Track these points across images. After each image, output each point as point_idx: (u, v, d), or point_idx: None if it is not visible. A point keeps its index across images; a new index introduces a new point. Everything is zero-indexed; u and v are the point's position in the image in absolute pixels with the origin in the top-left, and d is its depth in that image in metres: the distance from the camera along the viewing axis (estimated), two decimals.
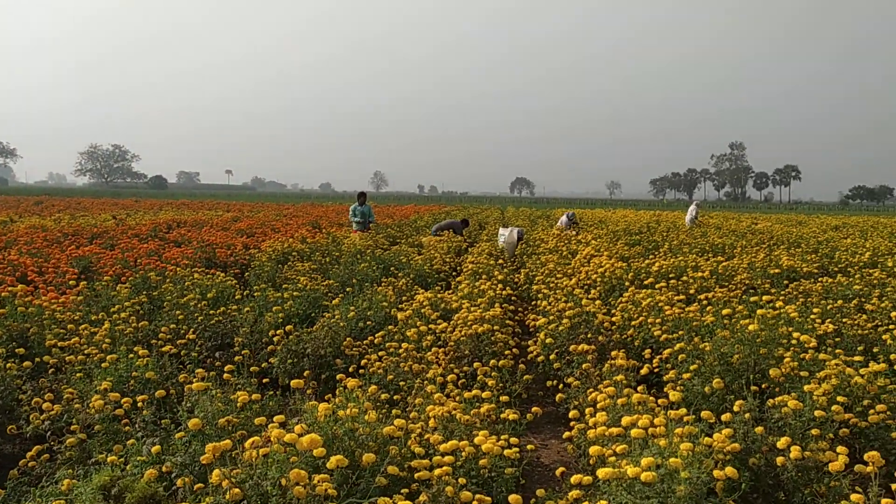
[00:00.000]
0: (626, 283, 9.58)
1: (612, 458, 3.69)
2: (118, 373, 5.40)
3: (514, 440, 4.25)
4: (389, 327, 7.06)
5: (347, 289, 9.40)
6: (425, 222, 26.01)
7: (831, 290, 9.66)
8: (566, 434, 4.88)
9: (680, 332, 6.62)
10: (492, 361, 5.90)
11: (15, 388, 5.29)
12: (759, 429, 4.25)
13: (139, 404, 4.62)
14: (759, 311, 6.15)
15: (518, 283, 11.57)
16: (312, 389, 5.82)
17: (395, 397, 5.37)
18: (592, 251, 12.79)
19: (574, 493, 3.49)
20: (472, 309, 7.27)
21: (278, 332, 6.70)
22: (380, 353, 6.22)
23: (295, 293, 8.46)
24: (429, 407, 4.71)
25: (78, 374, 5.34)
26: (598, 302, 7.90)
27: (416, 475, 3.69)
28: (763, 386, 5.48)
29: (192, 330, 6.97)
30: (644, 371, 6.01)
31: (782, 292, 9.45)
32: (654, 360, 6.30)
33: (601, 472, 3.47)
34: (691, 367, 5.56)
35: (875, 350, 6.84)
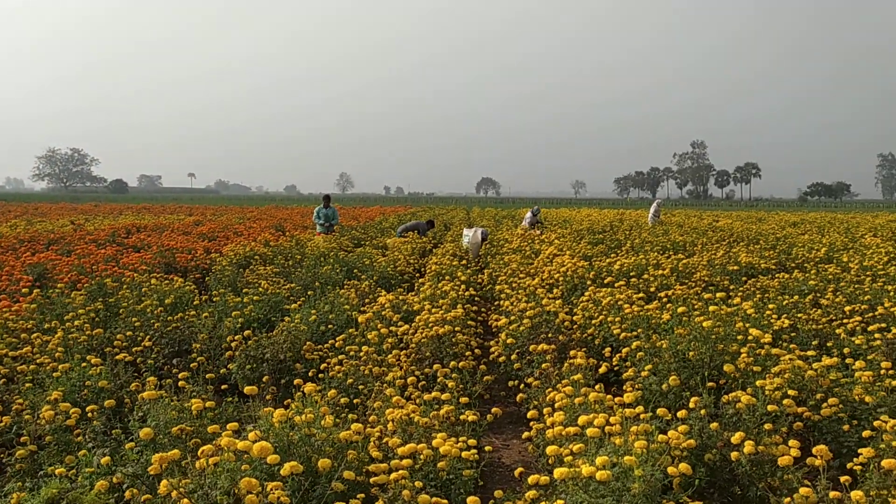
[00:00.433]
0: (588, 282, 9.64)
1: (569, 458, 3.70)
2: (70, 382, 5.28)
3: (472, 442, 4.25)
4: (351, 330, 7.01)
5: (309, 292, 9.32)
6: (391, 224, 25.96)
7: (788, 285, 9.83)
8: (525, 434, 4.89)
9: (639, 331, 6.68)
10: (452, 363, 5.89)
11: None
12: (714, 425, 4.30)
13: (89, 414, 4.52)
14: (711, 308, 6.23)
15: (482, 284, 11.59)
16: (272, 395, 5.76)
17: (354, 401, 5.33)
18: (555, 250, 12.86)
19: (531, 494, 3.49)
20: (434, 310, 7.25)
21: (237, 337, 6.61)
22: (340, 357, 6.16)
23: (255, 297, 8.37)
24: (388, 410, 4.69)
25: (27, 385, 5.20)
26: (558, 301, 7.94)
27: (372, 480, 3.66)
28: (721, 382, 5.56)
29: (148, 337, 6.85)
30: (603, 370, 6.05)
31: (740, 289, 9.60)
32: (614, 359, 6.35)
33: (557, 472, 3.48)
34: (647, 366, 5.61)
35: (829, 344, 6.98)
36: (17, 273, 10.11)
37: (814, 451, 3.68)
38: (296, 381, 5.23)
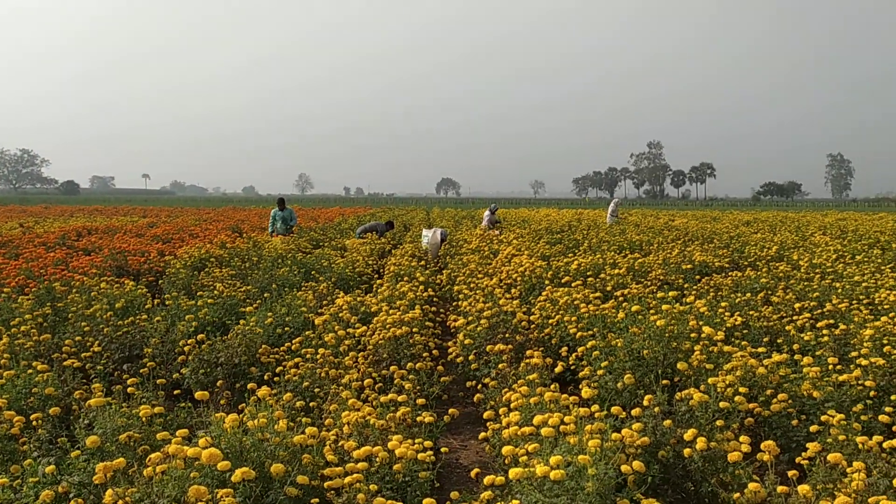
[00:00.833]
0: (546, 282, 9.70)
1: (524, 458, 3.71)
2: (16, 390, 5.12)
3: (428, 443, 4.23)
4: (308, 333, 6.94)
5: (266, 295, 9.20)
6: (350, 225, 25.79)
7: (741, 283, 10.03)
8: (482, 435, 4.89)
9: (595, 330, 6.74)
10: (409, 364, 5.86)
11: None
12: (667, 422, 4.35)
13: (35, 423, 4.38)
14: (664, 307, 6.31)
15: (441, 285, 11.59)
16: (226, 400, 5.66)
17: (310, 404, 5.27)
18: (514, 251, 12.92)
19: (486, 495, 3.49)
20: (392, 312, 7.22)
21: (190, 341, 6.49)
22: (296, 360, 6.09)
23: (210, 301, 8.23)
24: (344, 413, 4.65)
25: None
26: (516, 302, 7.97)
27: (327, 484, 3.62)
28: (675, 380, 5.63)
29: (97, 342, 6.69)
30: (559, 369, 6.09)
31: (694, 287, 9.75)
32: (571, 358, 6.40)
33: (512, 473, 3.48)
34: (603, 364, 5.66)
35: (779, 341, 7.13)
36: None
37: (762, 446, 3.75)
38: (249, 386, 5.15)
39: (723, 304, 7.86)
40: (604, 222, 26.35)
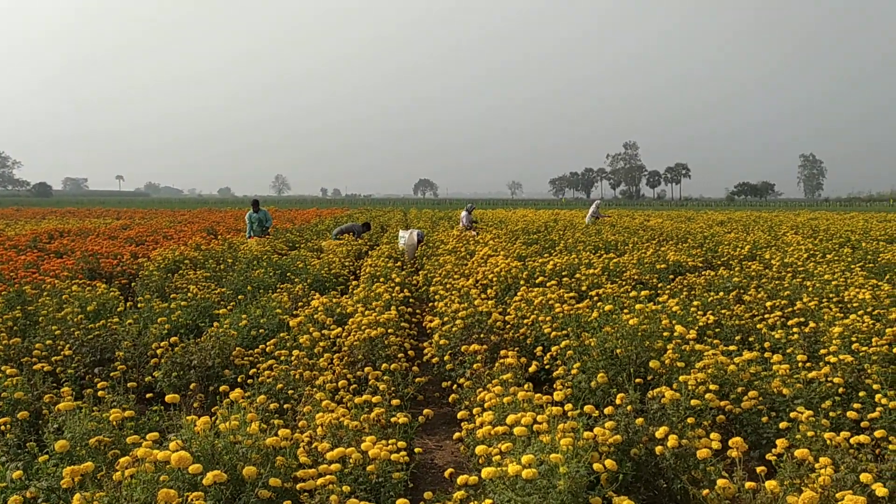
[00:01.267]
0: (521, 282, 9.73)
1: (498, 457, 3.72)
2: None
3: (402, 444, 4.23)
4: (282, 334, 6.91)
5: (240, 297, 9.14)
6: (326, 226, 25.69)
7: (713, 282, 10.14)
8: (457, 435, 4.90)
9: (569, 329, 6.78)
10: (384, 365, 5.86)
11: None
12: (639, 420, 4.39)
13: (2, 427, 4.32)
14: (637, 306, 6.36)
15: (417, 285, 11.58)
16: (199, 403, 5.62)
17: (285, 406, 5.25)
18: (490, 251, 12.95)
19: (459, 495, 3.50)
20: (367, 313, 7.21)
21: (163, 344, 6.43)
22: (270, 362, 6.07)
23: (183, 303, 8.16)
24: (318, 414, 4.63)
25: None
26: (490, 302, 7.99)
27: (299, 486, 3.60)
28: (648, 378, 5.68)
29: (68, 346, 6.60)
30: (533, 369, 6.12)
31: (668, 286, 9.84)
32: (545, 358, 6.42)
33: (485, 472, 3.49)
34: (576, 364, 5.69)
35: (751, 339, 7.22)
36: None
37: (730, 442, 3.79)
38: (222, 388, 5.11)
39: (695, 302, 7.94)
40: (580, 223, 26.50)
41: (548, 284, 9.16)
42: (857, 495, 3.19)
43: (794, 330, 6.84)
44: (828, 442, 4.02)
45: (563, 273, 10.39)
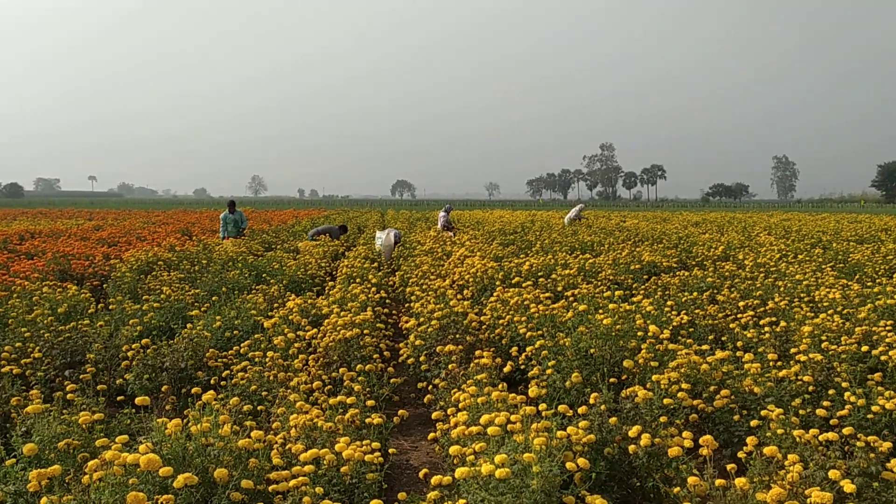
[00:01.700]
0: (498, 283, 9.76)
1: (471, 457, 3.73)
2: None
3: (376, 445, 4.22)
4: (257, 336, 6.86)
5: (215, 298, 9.06)
6: (303, 227, 25.54)
7: (688, 282, 10.23)
8: (431, 435, 4.90)
9: (544, 329, 6.80)
10: (359, 366, 5.84)
11: None
12: (613, 419, 4.42)
13: None
14: (611, 306, 6.40)
15: (394, 286, 11.57)
16: (172, 405, 5.57)
17: (258, 408, 5.21)
18: (466, 252, 12.97)
19: (432, 495, 3.50)
20: (343, 314, 7.19)
21: (134, 346, 6.35)
22: (244, 364, 6.02)
23: (155, 304, 8.08)
24: (292, 416, 4.61)
25: None
26: (466, 302, 8.00)
27: (271, 488, 3.58)
28: (623, 378, 5.72)
29: (38, 348, 6.50)
30: (507, 369, 6.13)
31: (643, 287, 9.92)
32: (521, 358, 6.44)
33: (459, 472, 3.49)
34: (551, 363, 5.71)
35: (724, 338, 7.30)
36: None
37: (700, 441, 3.83)
38: (195, 390, 5.07)
39: (669, 302, 8.01)
40: (556, 223, 26.60)
41: (524, 285, 9.19)
42: (825, 492, 3.24)
43: (766, 329, 6.92)
44: (797, 439, 4.07)
45: (540, 274, 10.43)
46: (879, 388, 5.13)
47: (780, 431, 4.29)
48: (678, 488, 3.65)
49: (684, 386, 4.92)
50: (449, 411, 4.72)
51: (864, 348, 6.19)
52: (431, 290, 9.24)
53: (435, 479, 3.67)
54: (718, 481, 3.48)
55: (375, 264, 13.06)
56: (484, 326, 7.63)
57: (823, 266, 12.12)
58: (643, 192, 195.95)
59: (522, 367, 6.33)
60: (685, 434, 4.13)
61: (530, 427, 3.85)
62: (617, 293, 7.86)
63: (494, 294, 8.63)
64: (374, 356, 6.39)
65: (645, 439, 4.06)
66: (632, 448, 4.12)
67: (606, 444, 4.32)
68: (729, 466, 3.67)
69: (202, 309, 8.35)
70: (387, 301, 10.18)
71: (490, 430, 3.86)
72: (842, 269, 12.36)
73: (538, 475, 3.31)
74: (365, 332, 6.71)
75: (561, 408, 4.41)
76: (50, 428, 3.98)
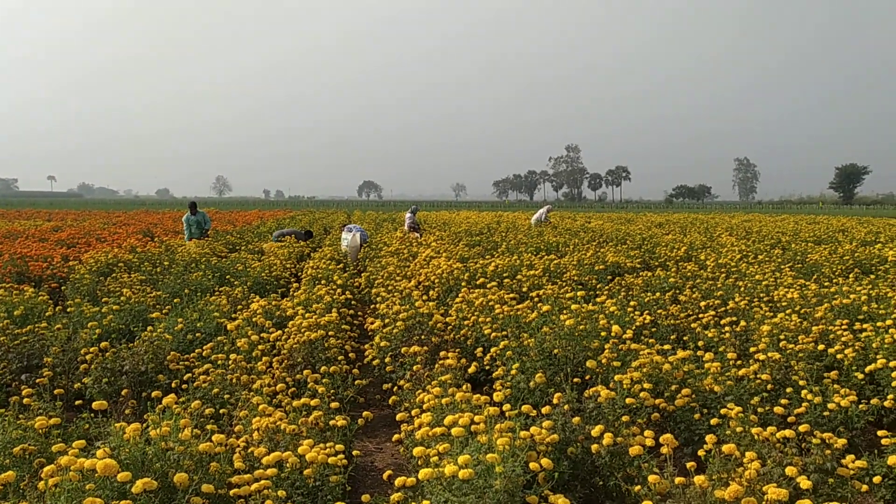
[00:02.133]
0: (463, 284, 9.77)
1: (435, 458, 3.73)
2: None
3: (340, 447, 4.19)
4: (220, 338, 6.78)
5: (176, 300, 8.94)
6: (268, 228, 25.31)
7: (651, 283, 10.35)
8: (396, 437, 4.89)
9: (509, 330, 6.83)
10: (323, 368, 5.81)
11: None
12: (576, 419, 4.45)
13: None
14: (574, 307, 6.45)
15: (360, 287, 11.52)
16: (131, 409, 5.46)
17: (221, 411, 5.15)
18: (433, 253, 12.96)
19: (396, 497, 3.49)
20: (308, 315, 7.14)
21: (93, 349, 6.23)
22: (207, 367, 5.95)
23: (115, 307, 7.94)
24: (255, 419, 4.56)
25: None
26: (432, 303, 8.00)
27: (233, 492, 3.54)
28: (586, 378, 5.77)
29: None
30: (472, 370, 6.14)
31: (606, 287, 10.01)
32: (486, 359, 6.46)
33: (422, 473, 3.50)
34: (515, 364, 5.74)
35: (686, 338, 7.41)
36: None
37: (661, 440, 3.88)
38: (154, 394, 4.99)
39: (632, 303, 8.10)
40: (522, 224, 26.72)
41: (489, 286, 9.22)
42: (781, 488, 3.30)
43: (727, 329, 7.03)
44: (756, 437, 4.14)
45: (505, 274, 10.47)
46: (835, 386, 5.25)
47: (739, 429, 4.36)
48: (639, 486, 3.70)
49: (646, 385, 4.98)
50: (413, 412, 4.72)
51: (821, 347, 6.33)
52: (397, 291, 9.23)
53: (399, 481, 3.66)
54: (678, 479, 3.53)
55: (341, 265, 13.00)
56: (449, 327, 7.64)
57: (782, 266, 12.37)
58: (608, 193, 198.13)
59: (487, 367, 6.35)
60: (647, 433, 4.18)
61: (494, 428, 3.86)
62: (580, 294, 7.93)
63: (460, 295, 8.65)
64: (339, 358, 6.35)
65: (607, 438, 4.10)
66: (594, 447, 4.16)
67: (570, 443, 4.35)
68: (689, 464, 3.72)
69: (164, 311, 8.23)
70: (352, 302, 10.13)
71: (454, 430, 3.87)
72: (800, 269, 12.63)
73: (501, 475, 3.32)
74: (330, 333, 6.67)
75: (525, 408, 4.44)
76: (5, 433, 3.89)
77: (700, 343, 6.95)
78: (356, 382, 5.93)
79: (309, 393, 5.31)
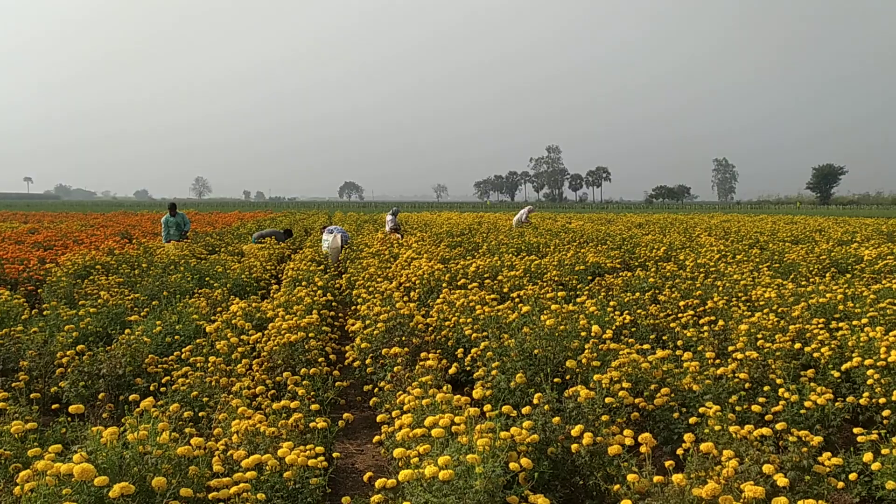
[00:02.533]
0: (444, 285, 9.78)
1: (416, 459, 3.73)
2: None
3: (319, 449, 4.18)
4: (199, 341, 6.74)
5: (155, 302, 8.86)
6: (248, 229, 25.18)
7: (630, 283, 10.41)
8: (376, 438, 4.88)
9: (490, 331, 6.84)
10: (303, 370, 5.78)
11: None
12: (556, 419, 4.47)
13: None
14: (554, 307, 6.47)
15: (340, 289, 11.48)
16: (109, 413, 5.41)
17: (200, 414, 5.12)
18: (413, 254, 12.96)
19: (376, 498, 3.49)
20: (288, 317, 7.11)
21: (69, 352, 6.16)
22: (185, 369, 5.90)
23: (92, 309, 7.85)
24: (234, 421, 4.54)
25: None
26: (413, 304, 8.00)
27: (211, 495, 3.52)
28: (567, 378, 5.79)
29: None
30: (452, 370, 6.15)
31: (587, 287, 10.06)
32: (466, 359, 6.47)
33: (402, 475, 3.49)
34: (495, 364, 5.75)
35: (665, 338, 7.46)
36: None
37: (640, 439, 3.91)
38: (132, 397, 4.94)
39: (612, 303, 8.15)
40: (504, 225, 26.77)
41: (470, 286, 9.23)
42: (758, 486, 3.33)
43: (705, 328, 7.09)
44: (733, 435, 4.18)
45: (486, 275, 10.49)
46: (812, 384, 5.31)
47: (717, 428, 4.40)
48: (618, 485, 3.72)
49: (626, 385, 5.01)
50: (394, 414, 4.71)
51: (798, 346, 6.41)
52: (378, 292, 9.21)
53: (379, 483, 3.66)
54: (657, 478, 3.56)
55: (322, 267, 12.95)
56: (430, 328, 7.64)
57: (760, 266, 12.50)
58: (589, 193, 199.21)
59: (468, 368, 6.36)
60: (626, 432, 4.20)
61: (474, 428, 3.87)
62: (561, 294, 7.96)
63: (441, 296, 8.65)
64: (320, 360, 6.33)
65: (587, 438, 4.11)
66: (574, 447, 4.17)
67: (550, 443, 4.37)
68: (667, 463, 3.75)
69: (142, 314, 8.16)
70: (333, 304, 10.11)
71: (434, 431, 3.87)
72: (778, 268, 12.76)
73: (481, 476, 3.32)
74: (310, 335, 6.65)
75: (505, 408, 4.44)
76: None
77: (679, 342, 7.00)
78: (337, 384, 5.91)
79: (289, 395, 5.29)
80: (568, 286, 10.36)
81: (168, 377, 5.85)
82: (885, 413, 5.10)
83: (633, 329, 7.52)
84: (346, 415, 5.19)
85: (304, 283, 10.11)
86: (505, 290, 9.58)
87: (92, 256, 12.92)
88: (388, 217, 22.40)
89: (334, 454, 4.59)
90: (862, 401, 5.26)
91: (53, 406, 5.64)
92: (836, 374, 5.89)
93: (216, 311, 8.39)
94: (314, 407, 4.99)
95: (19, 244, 17.18)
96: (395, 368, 5.83)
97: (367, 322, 7.28)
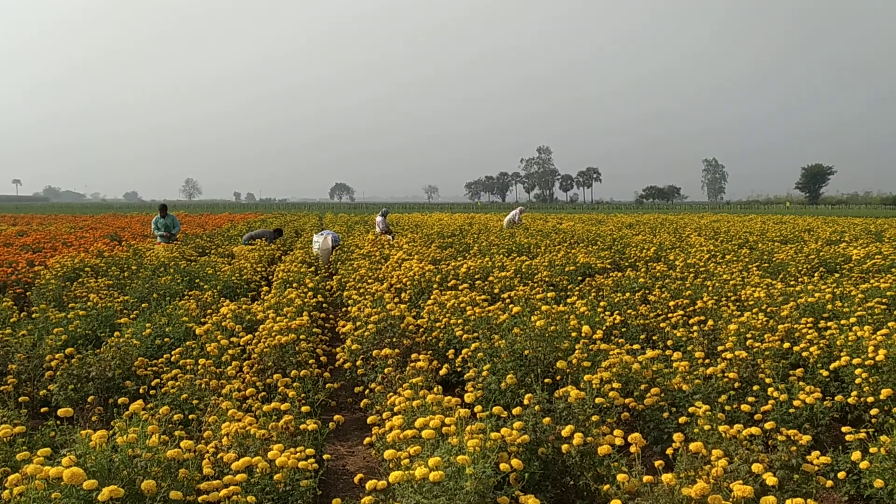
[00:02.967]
0: (435, 286, 9.78)
1: (406, 461, 3.73)
2: None
3: (310, 451, 4.17)
4: (189, 343, 6.71)
5: (144, 305, 8.83)
6: (239, 231, 25.12)
7: (621, 283, 10.44)
8: (367, 440, 4.88)
9: (480, 332, 6.85)
10: (293, 372, 5.78)
11: None
12: (547, 419, 4.47)
13: None
14: (544, 308, 6.49)
15: (331, 290, 11.47)
16: (98, 416, 5.39)
17: (189, 417, 5.10)
18: (404, 255, 12.96)
19: (367, 500, 3.49)
20: (279, 319, 7.09)
21: (58, 355, 6.13)
22: (175, 372, 5.88)
23: (81, 312, 7.81)
24: (224, 424, 4.52)
25: None
26: (403, 306, 8.00)
27: (201, 498, 3.51)
28: (557, 378, 5.80)
29: None
30: (443, 372, 6.15)
31: (577, 288, 10.08)
32: (457, 360, 6.47)
33: (393, 476, 3.49)
34: (486, 365, 5.76)
35: (655, 338, 7.48)
36: None
37: (629, 439, 3.92)
38: (121, 400, 4.92)
39: (602, 303, 8.17)
40: (494, 226, 26.80)
41: (461, 287, 9.23)
42: (747, 485, 3.35)
43: (695, 328, 7.12)
44: (723, 435, 4.20)
45: (477, 276, 10.50)
46: (801, 383, 5.34)
47: (706, 427, 4.42)
48: (609, 485, 3.73)
49: (616, 385, 5.02)
50: (385, 415, 4.71)
51: (787, 345, 6.44)
52: (369, 293, 9.20)
53: (370, 484, 3.66)
54: (646, 478, 3.57)
55: (312, 268, 12.94)
56: (421, 329, 7.64)
57: (750, 266, 12.57)
58: (579, 194, 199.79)
59: (459, 369, 6.37)
60: (616, 432, 4.22)
61: (465, 429, 3.87)
62: (551, 295, 7.98)
63: (432, 297, 8.65)
64: (310, 361, 6.33)
65: (577, 438, 4.12)
66: (565, 447, 4.18)
67: (540, 444, 4.37)
68: (657, 463, 3.77)
69: (132, 316, 8.13)
70: (324, 305, 10.09)
71: (425, 433, 3.87)
72: (767, 268, 12.83)
73: (472, 477, 3.33)
74: (301, 337, 6.64)
75: (496, 409, 4.45)
76: None
77: (669, 342, 7.03)
78: (327, 386, 5.91)
79: (279, 397, 5.29)
80: (558, 287, 10.38)
81: (158, 380, 5.84)
82: (873, 412, 5.14)
83: (623, 329, 7.54)
84: (336, 416, 5.18)
85: (294, 285, 10.09)
86: (496, 290, 9.59)
87: (81, 259, 12.86)
88: (378, 219, 22.40)
89: (325, 456, 4.59)
90: (850, 400, 5.29)
91: (42, 409, 5.61)
92: (825, 374, 5.93)
93: (206, 314, 8.36)
94: (305, 409, 4.99)
95: (8, 246, 17.09)
96: (386, 370, 5.83)
97: (358, 323, 7.28)
